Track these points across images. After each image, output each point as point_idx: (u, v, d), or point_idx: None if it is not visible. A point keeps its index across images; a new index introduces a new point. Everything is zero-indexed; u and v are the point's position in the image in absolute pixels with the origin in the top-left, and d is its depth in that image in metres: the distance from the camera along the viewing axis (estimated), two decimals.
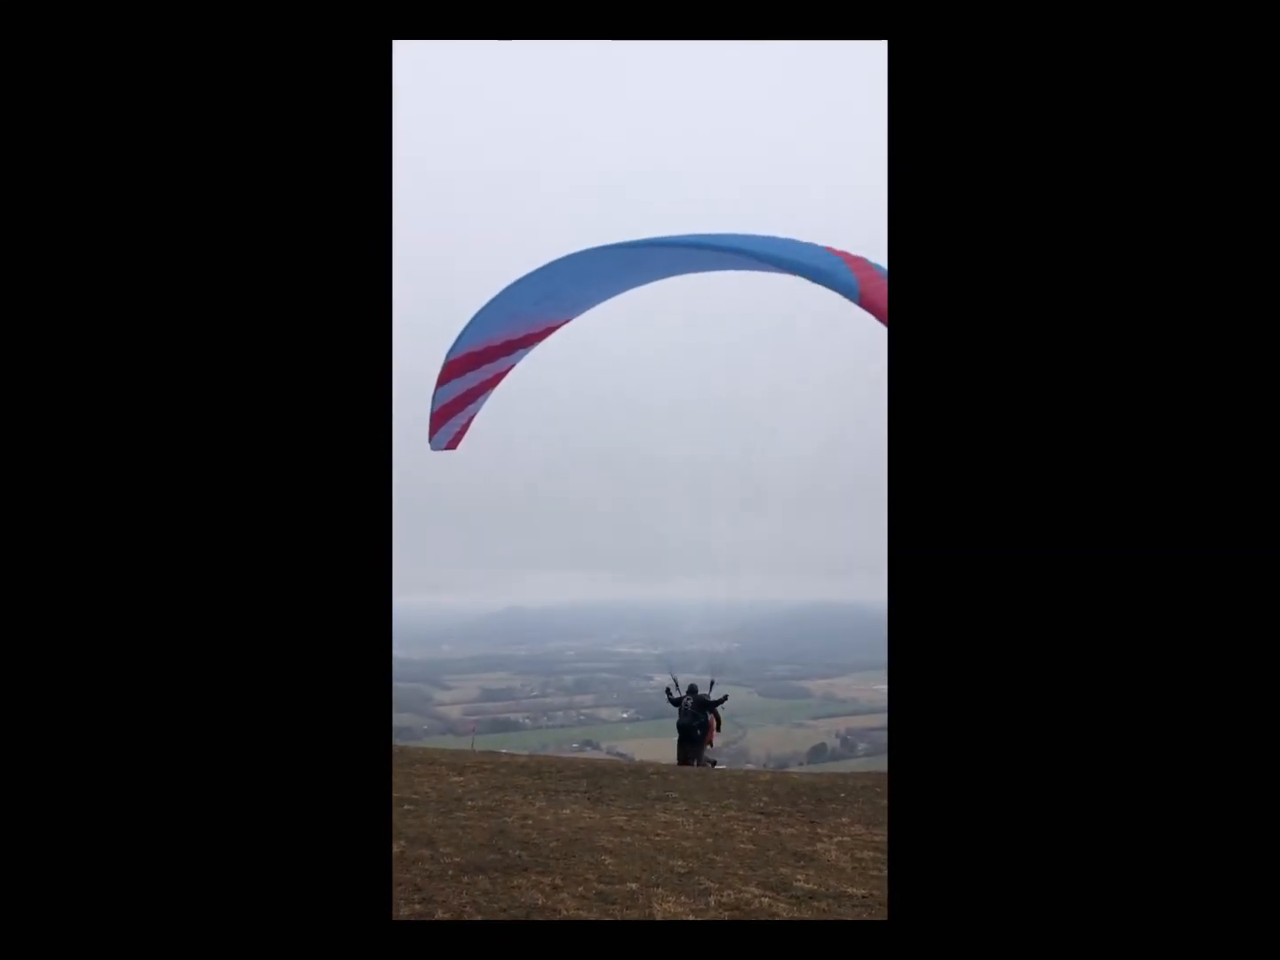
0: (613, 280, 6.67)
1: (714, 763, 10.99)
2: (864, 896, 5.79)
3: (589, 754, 52.66)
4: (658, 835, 7.73)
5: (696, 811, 9.19)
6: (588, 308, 6.98)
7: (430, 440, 7.36)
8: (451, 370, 6.83)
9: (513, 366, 7.18)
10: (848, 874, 6.53)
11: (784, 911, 5.33)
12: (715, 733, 10.81)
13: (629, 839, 7.47)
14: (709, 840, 7.68)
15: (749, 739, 70.21)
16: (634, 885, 5.71)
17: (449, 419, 7.16)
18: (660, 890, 5.64)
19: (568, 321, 7.05)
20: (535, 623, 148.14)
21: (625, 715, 74.42)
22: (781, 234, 6.19)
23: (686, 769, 13.50)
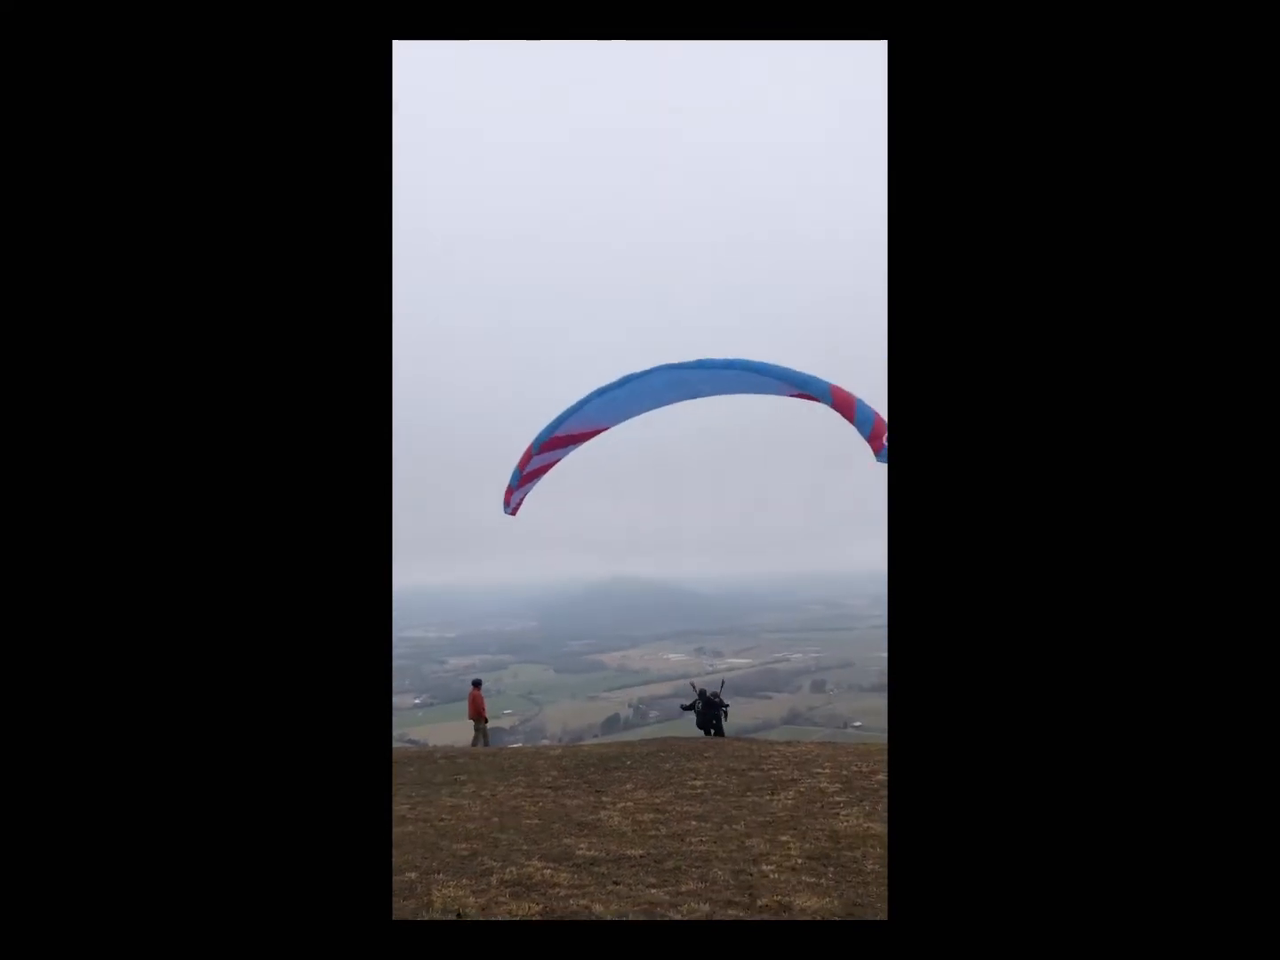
0: (661, 398, 8.70)
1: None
2: (641, 856, 6.06)
3: None
4: (442, 821, 7.60)
5: (484, 792, 9.13)
6: (631, 417, 9.01)
7: (505, 507, 9.62)
8: (541, 448, 8.99)
9: (559, 460, 9.34)
10: (628, 837, 6.79)
11: (565, 880, 5.45)
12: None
13: (411, 828, 7.28)
14: (494, 820, 7.66)
15: (544, 715, 70.86)
16: (413, 875, 5.57)
17: (517, 490, 9.47)
18: (440, 876, 5.56)
19: (609, 428, 9.15)
20: None
21: (417, 701, 72.18)
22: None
23: (479, 750, 13.49)
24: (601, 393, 8.54)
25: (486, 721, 16.04)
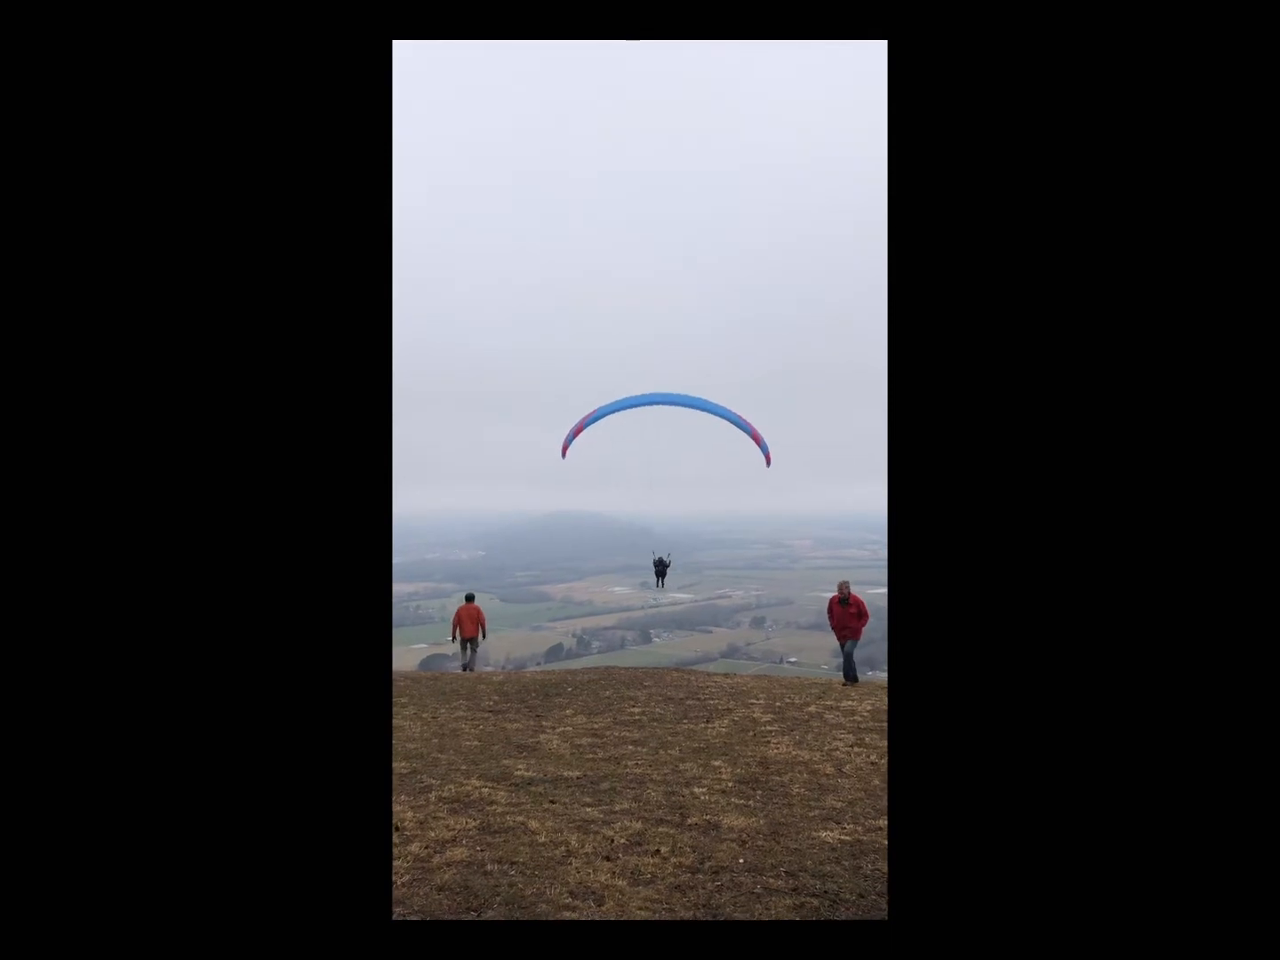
0: (650, 401, 13.66)
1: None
2: (578, 778, 6.24)
3: None
4: None
5: (425, 714, 9.25)
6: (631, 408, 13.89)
7: (563, 455, 14.45)
8: (578, 430, 14.08)
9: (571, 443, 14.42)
10: (566, 759, 6.98)
11: (502, 799, 5.59)
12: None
13: None
14: (435, 740, 7.78)
15: (489, 643, 71.62)
16: None
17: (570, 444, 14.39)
18: None
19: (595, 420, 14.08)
20: None
21: None
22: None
23: (469, 674, 13.58)
24: (622, 401, 13.64)
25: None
